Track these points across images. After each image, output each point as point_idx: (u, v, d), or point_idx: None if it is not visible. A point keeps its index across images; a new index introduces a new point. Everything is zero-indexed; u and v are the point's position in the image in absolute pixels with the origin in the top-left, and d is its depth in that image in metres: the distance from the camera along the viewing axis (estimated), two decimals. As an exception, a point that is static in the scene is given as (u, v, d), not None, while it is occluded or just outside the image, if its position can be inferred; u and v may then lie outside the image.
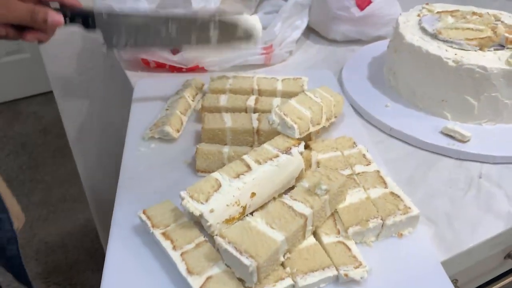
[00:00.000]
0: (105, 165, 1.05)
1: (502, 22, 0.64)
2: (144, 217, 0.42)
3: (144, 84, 0.67)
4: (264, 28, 0.75)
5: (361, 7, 0.76)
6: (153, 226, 0.42)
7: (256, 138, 0.54)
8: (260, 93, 0.61)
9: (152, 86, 0.67)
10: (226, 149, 0.50)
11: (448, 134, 0.57)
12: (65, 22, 0.51)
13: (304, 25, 0.77)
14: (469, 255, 0.45)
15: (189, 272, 0.38)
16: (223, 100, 0.58)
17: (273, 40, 0.72)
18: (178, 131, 0.56)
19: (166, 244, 0.40)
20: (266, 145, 0.47)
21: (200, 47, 0.58)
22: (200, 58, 0.70)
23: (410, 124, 0.59)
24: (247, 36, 0.55)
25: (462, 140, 0.56)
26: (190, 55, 0.69)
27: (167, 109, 0.59)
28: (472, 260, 0.47)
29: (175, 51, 0.72)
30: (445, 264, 0.42)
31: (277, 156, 0.46)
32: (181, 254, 0.39)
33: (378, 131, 0.60)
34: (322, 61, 0.78)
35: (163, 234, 0.41)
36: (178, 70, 0.71)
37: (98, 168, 1.06)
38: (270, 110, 0.57)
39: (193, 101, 0.62)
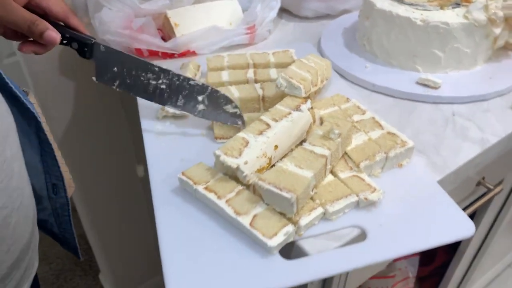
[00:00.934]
0: (91, 169, 1.07)
1: (452, -16, 0.74)
2: (185, 178, 0.48)
3: (143, 71, 0.72)
4: (243, 10, 0.81)
5: (329, -17, 0.84)
6: (195, 184, 0.47)
7: (262, 104, 0.60)
8: (256, 66, 0.68)
9: (151, 72, 0.72)
10: (240, 115, 0.57)
11: (423, 84, 0.66)
12: (62, 42, 0.53)
13: (278, 5, 0.84)
14: (456, 174, 0.54)
15: (237, 213, 0.44)
16: (224, 75, 0.64)
17: (255, 20, 0.78)
18: (189, 107, 0.62)
19: (211, 196, 0.46)
20: (278, 106, 0.54)
21: (185, 112, 0.58)
22: (190, 43, 0.75)
23: (389, 79, 0.67)
24: (235, 118, 0.56)
25: (435, 87, 0.65)
26: (181, 40, 0.74)
27: (173, 90, 0.64)
28: (458, 180, 0.56)
29: (167, 37, 0.77)
30: (439, 184, 0.51)
31: (289, 113, 0.53)
32: (226, 201, 0.45)
33: (362, 89, 0.68)
34: (299, 37, 0.85)
35: (206, 188, 0.47)
36: (171, 56, 0.76)
37: (85, 171, 1.07)
38: (269, 79, 0.64)
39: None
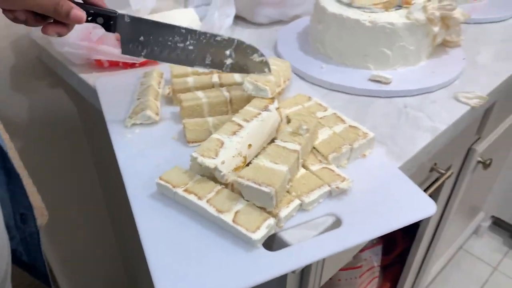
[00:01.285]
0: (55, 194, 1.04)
1: (393, -12, 0.80)
2: (163, 182, 0.49)
3: (104, 83, 0.71)
4: (200, 18, 0.83)
5: (280, -10, 0.88)
6: (174, 187, 0.48)
7: (230, 107, 0.62)
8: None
9: (112, 83, 0.71)
10: (210, 119, 0.58)
11: (375, 80, 0.71)
12: (87, 19, 0.52)
13: (233, 13, 0.86)
14: (413, 161, 0.59)
15: (219, 211, 0.45)
16: (190, 81, 0.66)
17: (213, 28, 0.80)
18: (157, 114, 0.62)
19: (191, 197, 0.47)
20: (247, 107, 0.56)
21: (214, 69, 0.58)
22: (150, 52, 0.76)
23: (344, 78, 0.72)
24: (262, 66, 0.58)
25: (386, 82, 0.70)
26: (141, 50, 0.74)
27: (138, 99, 0.65)
28: (414, 167, 0.61)
29: (126, 49, 0.77)
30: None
31: (259, 113, 0.55)
32: (207, 201, 0.47)
33: (321, 88, 0.72)
34: (255, 42, 0.87)
35: (185, 190, 0.48)
36: (132, 65, 0.76)
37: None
38: (234, 83, 0.66)
39: (159, 88, 0.68)
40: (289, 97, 0.64)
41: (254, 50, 0.58)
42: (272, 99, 0.58)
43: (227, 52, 0.57)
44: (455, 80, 0.73)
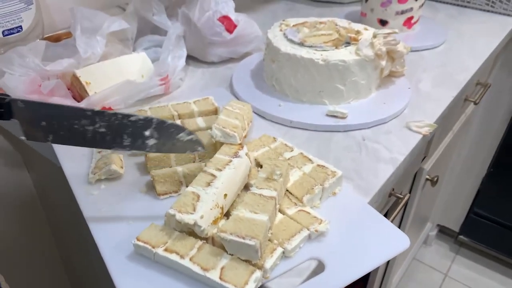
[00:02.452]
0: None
1: (339, 26, 0.84)
2: (141, 243, 0.47)
3: (59, 136, 0.68)
4: (152, 61, 0.83)
5: (230, 30, 0.89)
6: (153, 247, 0.47)
7: (196, 154, 0.62)
8: (181, 116, 0.69)
9: (67, 136, 0.68)
10: (180, 168, 0.57)
11: (332, 115, 0.74)
12: None
13: (185, 54, 0.86)
14: (379, 193, 0.61)
15: (205, 269, 0.44)
16: (153, 130, 0.65)
17: (167, 70, 0.80)
18: (122, 167, 0.60)
19: (173, 257, 0.46)
20: (217, 155, 0.56)
21: (135, 151, 0.52)
22: (105, 100, 0.73)
23: (302, 115, 0.74)
24: (193, 144, 0.51)
25: (343, 117, 0.73)
26: (95, 98, 0.72)
27: (99, 152, 0.63)
28: (380, 197, 0.63)
29: (78, 97, 0.74)
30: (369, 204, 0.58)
31: (230, 161, 0.55)
32: (190, 259, 0.46)
33: (281, 126, 0.74)
34: (209, 81, 0.89)
35: (166, 250, 0.46)
36: (86, 115, 0.73)
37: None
38: (198, 129, 0.66)
39: (120, 139, 0.66)
40: (255, 139, 0.65)
41: (179, 129, 0.51)
42: (241, 144, 0.58)
43: (147, 133, 0.50)
44: (404, 109, 0.78)
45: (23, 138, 0.49)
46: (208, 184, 0.51)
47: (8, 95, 0.49)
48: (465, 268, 1.77)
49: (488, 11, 1.30)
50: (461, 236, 1.80)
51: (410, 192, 1.07)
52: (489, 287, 1.69)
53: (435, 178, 1.08)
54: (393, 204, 0.86)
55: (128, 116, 0.49)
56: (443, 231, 1.89)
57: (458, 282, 1.71)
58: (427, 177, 1.06)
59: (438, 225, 1.86)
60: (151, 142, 0.50)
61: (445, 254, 1.83)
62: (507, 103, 1.45)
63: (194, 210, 0.48)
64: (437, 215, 1.77)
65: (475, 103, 1.14)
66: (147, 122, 0.50)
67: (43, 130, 0.49)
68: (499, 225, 1.67)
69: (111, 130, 0.49)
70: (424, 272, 1.75)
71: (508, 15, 1.27)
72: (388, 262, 1.22)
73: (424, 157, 1.05)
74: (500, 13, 1.28)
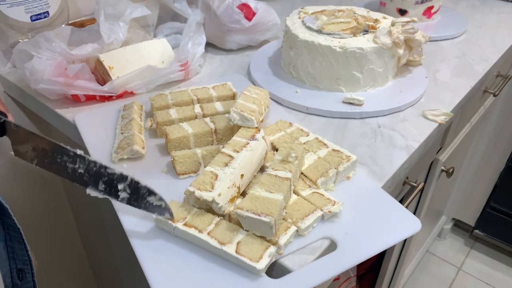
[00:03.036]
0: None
1: (357, 14, 0.85)
2: (161, 218, 0.49)
3: (83, 117, 0.71)
4: (173, 47, 0.85)
5: (249, 18, 0.91)
6: (173, 222, 0.49)
7: (214, 137, 0.64)
8: (200, 101, 0.71)
9: (91, 117, 0.71)
10: (198, 150, 0.59)
11: (348, 102, 0.75)
12: None
13: (204, 41, 0.88)
14: (393, 179, 0.62)
15: (222, 243, 0.47)
16: (173, 113, 0.67)
17: (187, 56, 0.82)
18: (143, 148, 0.63)
19: (192, 231, 0.48)
20: (235, 138, 0.58)
21: (108, 197, 0.51)
22: (127, 84, 0.76)
23: (319, 102, 0.75)
24: (161, 208, 0.50)
25: (359, 104, 0.74)
26: (117, 82, 0.74)
27: (122, 133, 0.65)
28: (394, 184, 0.65)
29: (101, 81, 0.77)
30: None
31: (247, 143, 0.57)
32: (208, 234, 0.48)
33: (298, 112, 0.75)
34: (228, 68, 0.90)
35: (185, 224, 0.49)
36: (109, 98, 0.76)
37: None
38: (217, 113, 0.68)
39: (141, 121, 0.69)
40: (271, 124, 0.67)
41: (151, 193, 0.50)
42: (258, 128, 0.60)
43: (120, 186, 0.50)
44: (421, 98, 0.79)
45: (12, 153, 0.52)
46: (226, 165, 0.53)
47: (5, 115, 0.53)
48: (479, 263, 1.76)
49: (511, 1, 1.28)
50: (476, 231, 1.79)
51: (425, 183, 1.07)
52: (504, 282, 1.68)
53: (451, 170, 1.07)
54: (407, 192, 0.87)
55: (106, 167, 0.50)
56: (458, 225, 1.88)
57: (471, 276, 1.70)
58: (443, 168, 1.06)
59: (453, 218, 1.85)
60: (123, 195, 0.51)
61: (460, 248, 1.82)
62: (527, 96, 1.43)
63: (212, 188, 0.50)
64: (453, 209, 1.76)
65: (495, 95, 1.13)
66: (122, 177, 0.50)
67: (29, 154, 0.51)
68: (515, 220, 1.65)
69: (89, 173, 0.50)
70: (437, 265, 1.75)
71: (531, 6, 1.25)
72: (400, 253, 1.23)
73: (440, 148, 1.05)
74: (523, 4, 1.26)
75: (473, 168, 1.64)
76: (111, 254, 0.96)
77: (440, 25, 1.10)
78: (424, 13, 1.08)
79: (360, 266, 1.22)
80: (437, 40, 1.04)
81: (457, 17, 1.15)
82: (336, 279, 1.12)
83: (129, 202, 0.51)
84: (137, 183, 0.50)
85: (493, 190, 1.67)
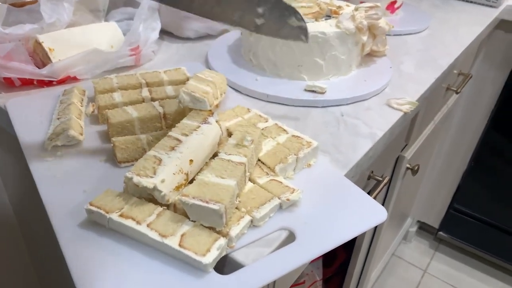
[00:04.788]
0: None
1: (320, 0, 0.81)
2: (94, 208, 0.43)
3: (17, 103, 0.63)
4: (124, 34, 0.78)
5: (207, 4, 0.85)
6: (107, 212, 0.42)
7: (163, 122, 0.57)
8: (149, 85, 0.65)
9: (26, 103, 0.63)
10: (143, 136, 0.53)
11: (310, 90, 0.71)
12: None
13: (159, 27, 0.82)
14: (356, 167, 0.58)
15: (163, 236, 0.40)
16: (117, 97, 0.60)
17: (138, 41, 0.75)
18: (81, 134, 0.56)
19: (129, 222, 0.41)
20: (185, 121, 0.52)
21: (240, 27, 0.48)
22: (69, 68, 0.69)
23: (280, 90, 0.71)
24: (299, 32, 0.48)
25: (321, 92, 0.70)
26: (58, 66, 0.67)
27: (58, 118, 0.58)
28: (358, 173, 0.60)
29: (40, 64, 0.69)
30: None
31: (198, 126, 0.51)
32: (148, 226, 0.41)
33: (258, 100, 0.70)
34: (184, 57, 0.85)
35: (121, 216, 0.42)
36: (48, 84, 0.69)
37: None
38: (167, 97, 0.62)
39: (82, 106, 0.61)
40: (228, 110, 0.61)
41: (293, 12, 0.48)
42: (211, 111, 0.54)
43: (260, 10, 0.47)
44: (385, 88, 0.75)
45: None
46: (172, 148, 0.47)
47: None
48: (444, 265, 1.75)
49: (471, 2, 1.29)
50: (440, 233, 1.79)
51: (390, 180, 1.04)
52: (468, 284, 1.68)
53: (416, 167, 1.05)
54: (373, 187, 0.83)
55: None
56: (423, 228, 1.88)
57: (437, 278, 1.70)
58: (408, 165, 1.04)
59: (418, 221, 1.85)
60: (260, 21, 0.47)
61: (425, 251, 1.82)
62: (488, 95, 1.44)
63: (155, 173, 0.44)
64: (417, 211, 1.76)
65: (457, 92, 1.12)
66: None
67: None
68: (479, 221, 1.66)
69: (225, 1, 0.47)
70: (404, 268, 1.73)
71: (491, 6, 1.26)
72: (366, 256, 1.19)
73: (406, 145, 1.03)
74: (483, 4, 1.28)
75: (436, 169, 1.64)
76: (54, 249, 0.87)
77: (403, 20, 1.08)
78: (387, 8, 1.06)
79: (326, 269, 1.18)
80: (401, 35, 1.02)
81: (419, 14, 1.14)
82: (301, 283, 1.07)
83: (262, 30, 0.47)
84: (280, 1, 0.46)
85: (456, 191, 1.68)
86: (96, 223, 0.44)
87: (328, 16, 0.75)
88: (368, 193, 0.79)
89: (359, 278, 1.26)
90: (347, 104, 0.70)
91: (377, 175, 0.80)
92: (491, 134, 1.50)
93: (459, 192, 1.67)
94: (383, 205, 1.07)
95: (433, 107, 1.12)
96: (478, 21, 1.15)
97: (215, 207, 0.40)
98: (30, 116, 0.60)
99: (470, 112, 1.49)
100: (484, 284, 1.68)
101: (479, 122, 1.50)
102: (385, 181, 0.77)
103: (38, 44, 0.69)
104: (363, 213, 0.47)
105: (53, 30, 0.71)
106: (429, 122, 1.16)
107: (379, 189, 0.75)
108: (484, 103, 1.46)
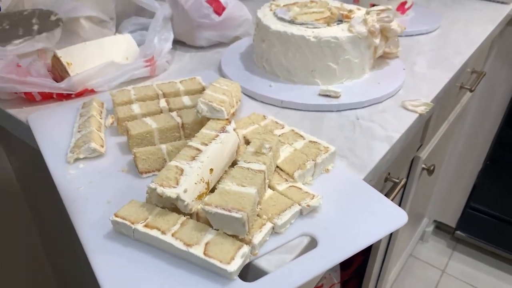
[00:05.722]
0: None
1: (331, 5, 0.82)
2: (119, 219, 0.44)
3: (38, 117, 0.64)
4: (138, 45, 0.79)
5: (219, 13, 0.86)
6: (132, 223, 0.43)
7: (182, 132, 0.58)
8: (166, 95, 0.66)
9: (47, 117, 0.65)
10: (163, 146, 0.54)
11: (324, 95, 0.71)
12: None
13: (172, 37, 0.83)
14: (374, 170, 0.58)
15: (188, 245, 0.41)
16: (136, 108, 0.61)
17: (153, 52, 0.76)
18: (102, 146, 0.57)
19: (154, 232, 0.42)
20: (203, 130, 0.53)
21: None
22: (87, 81, 0.70)
23: (294, 95, 0.71)
24: None
25: (336, 96, 0.70)
26: (76, 79, 0.69)
27: (79, 131, 0.59)
28: (376, 177, 0.60)
29: (59, 78, 0.71)
30: (365, 180, 0.54)
31: (217, 136, 0.52)
32: (172, 235, 0.42)
33: (272, 106, 0.71)
34: (198, 66, 0.86)
35: (146, 226, 0.43)
36: (67, 97, 0.70)
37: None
38: (184, 107, 0.63)
39: (101, 118, 0.63)
40: (244, 117, 0.62)
41: None
42: (228, 120, 0.55)
43: None
44: (399, 90, 0.75)
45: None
46: (193, 158, 0.48)
47: None
48: (462, 264, 1.74)
49: (482, -1, 1.29)
50: (458, 232, 1.78)
51: (406, 180, 1.04)
52: (487, 282, 1.66)
53: (432, 167, 1.05)
54: (390, 189, 0.83)
55: None
56: (440, 227, 1.86)
57: (455, 278, 1.68)
58: (424, 166, 1.04)
59: (434, 221, 1.83)
60: None
61: (442, 250, 1.80)
62: (502, 93, 1.43)
63: (177, 183, 0.45)
64: (434, 211, 1.74)
65: (471, 91, 1.12)
66: None
67: None
68: (496, 219, 1.64)
69: None
70: (421, 268, 1.72)
71: (502, 2, 1.25)
72: (384, 257, 1.19)
73: (420, 145, 1.02)
74: (494, 1, 1.27)
75: (452, 168, 1.63)
76: (75, 258, 0.89)
77: (414, 20, 1.08)
78: (398, 9, 1.06)
79: (343, 272, 1.17)
80: (412, 35, 1.02)
81: (430, 13, 1.14)
82: (319, 286, 1.07)
83: None
84: None
85: (472, 190, 1.66)
86: (122, 234, 0.45)
87: (340, 21, 0.75)
88: (386, 195, 0.80)
89: (377, 280, 1.25)
90: (362, 107, 0.70)
91: (394, 177, 0.80)
92: (505, 131, 1.48)
93: (475, 190, 1.65)
94: (399, 206, 1.07)
95: (447, 106, 1.12)
96: (490, 18, 1.14)
97: (238, 215, 0.41)
98: (51, 129, 0.62)
99: (484, 110, 1.48)
100: (504, 282, 1.66)
101: (494, 120, 1.49)
102: (402, 183, 0.77)
103: (56, 59, 0.70)
104: (383, 217, 0.48)
105: (69, 45, 0.73)
106: (443, 121, 1.15)
107: (396, 191, 0.75)
108: (497, 101, 1.45)
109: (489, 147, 1.55)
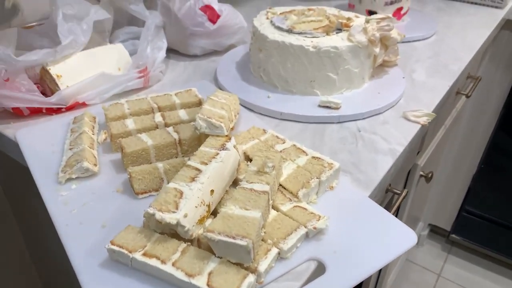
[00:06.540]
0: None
1: (328, 13, 0.80)
2: (116, 248, 0.41)
3: (26, 133, 0.61)
4: (130, 54, 0.77)
5: (213, 21, 0.84)
6: (130, 252, 0.41)
7: (179, 148, 0.56)
8: (161, 109, 0.63)
9: (36, 133, 0.62)
10: (160, 165, 0.51)
11: (324, 106, 0.69)
12: None
13: (165, 46, 0.81)
14: (379, 186, 0.56)
15: (190, 275, 0.39)
16: (130, 123, 0.59)
17: (146, 62, 0.74)
18: (95, 165, 0.54)
19: (153, 262, 0.40)
20: (202, 148, 0.50)
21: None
22: (78, 94, 0.67)
23: (294, 106, 0.69)
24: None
25: (336, 107, 0.69)
26: (66, 92, 0.66)
27: (71, 148, 0.56)
28: (381, 191, 0.59)
29: (48, 90, 0.68)
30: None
31: (217, 154, 0.49)
32: (173, 265, 0.40)
33: (271, 118, 0.69)
34: (192, 75, 0.83)
35: (144, 254, 0.40)
36: (57, 111, 0.67)
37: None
38: (181, 121, 0.60)
39: (93, 134, 0.60)
40: (243, 131, 0.60)
41: None
42: (228, 136, 0.53)
43: None
44: (400, 99, 0.74)
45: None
46: (192, 179, 0.46)
47: None
48: (457, 267, 1.73)
49: (476, 3, 1.28)
50: (452, 235, 1.77)
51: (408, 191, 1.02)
52: (482, 285, 1.66)
53: (430, 174, 1.03)
54: (389, 201, 0.82)
55: None
56: (435, 231, 1.86)
57: (451, 282, 1.67)
58: (421, 173, 1.02)
59: (429, 224, 1.83)
60: None
61: (438, 254, 1.80)
62: (496, 97, 1.42)
63: (177, 208, 0.42)
64: (429, 214, 1.74)
65: (467, 96, 1.11)
66: None
67: None
68: (490, 222, 1.64)
69: None
70: (418, 272, 1.71)
71: (496, 7, 1.25)
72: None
73: (418, 152, 1.01)
74: (488, 6, 1.26)
75: (446, 172, 1.62)
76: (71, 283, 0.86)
77: (410, 26, 1.07)
78: (394, 14, 1.04)
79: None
80: (410, 41, 1.00)
81: (425, 18, 1.13)
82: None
83: None
84: None
85: (467, 193, 1.66)
86: (118, 262, 0.42)
87: (339, 29, 0.73)
88: (386, 206, 0.78)
89: (375, 285, 1.24)
90: (363, 118, 0.69)
91: (395, 188, 0.78)
92: (500, 135, 1.48)
93: (470, 194, 1.65)
94: (397, 214, 1.05)
95: (444, 112, 1.11)
96: (485, 23, 1.14)
97: (243, 243, 0.38)
98: (40, 147, 0.59)
99: (478, 114, 1.48)
100: (498, 285, 1.66)
101: (488, 123, 1.48)
102: (403, 194, 0.75)
103: (45, 71, 0.67)
104: (391, 238, 0.46)
105: (67, 53, 0.69)
106: (440, 127, 1.14)
107: (398, 203, 0.73)
108: (492, 105, 1.45)
109: (484, 150, 1.54)
